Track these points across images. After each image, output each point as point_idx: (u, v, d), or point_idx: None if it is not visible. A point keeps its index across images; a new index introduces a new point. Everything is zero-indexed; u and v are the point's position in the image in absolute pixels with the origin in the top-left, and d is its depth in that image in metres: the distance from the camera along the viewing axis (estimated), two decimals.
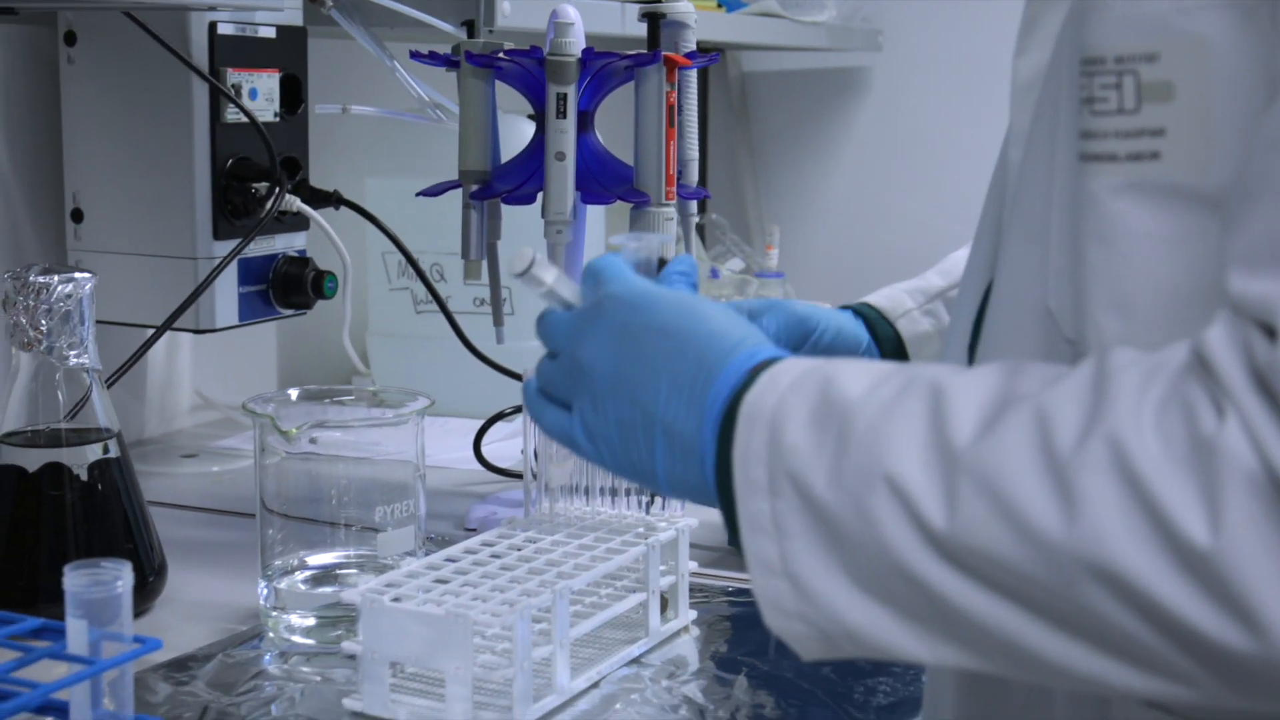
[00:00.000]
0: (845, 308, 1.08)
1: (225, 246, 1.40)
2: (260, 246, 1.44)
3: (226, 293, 1.41)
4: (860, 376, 0.68)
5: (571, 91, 1.18)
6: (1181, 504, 0.57)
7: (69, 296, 1.04)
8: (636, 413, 0.76)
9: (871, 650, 0.67)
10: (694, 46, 1.28)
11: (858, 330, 1.06)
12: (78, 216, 1.43)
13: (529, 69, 1.21)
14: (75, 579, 0.76)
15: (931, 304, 1.08)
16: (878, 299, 1.09)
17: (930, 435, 0.63)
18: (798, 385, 0.69)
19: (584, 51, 1.20)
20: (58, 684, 0.76)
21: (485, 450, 1.48)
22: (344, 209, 1.51)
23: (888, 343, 1.06)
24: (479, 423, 1.50)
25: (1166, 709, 0.70)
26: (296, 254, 1.48)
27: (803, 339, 1.03)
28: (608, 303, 0.79)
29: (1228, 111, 0.65)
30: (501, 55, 1.21)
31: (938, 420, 0.64)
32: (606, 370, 0.77)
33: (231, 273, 1.41)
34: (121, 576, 0.77)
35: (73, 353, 1.06)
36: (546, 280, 0.83)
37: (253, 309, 1.45)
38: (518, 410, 1.51)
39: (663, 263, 0.88)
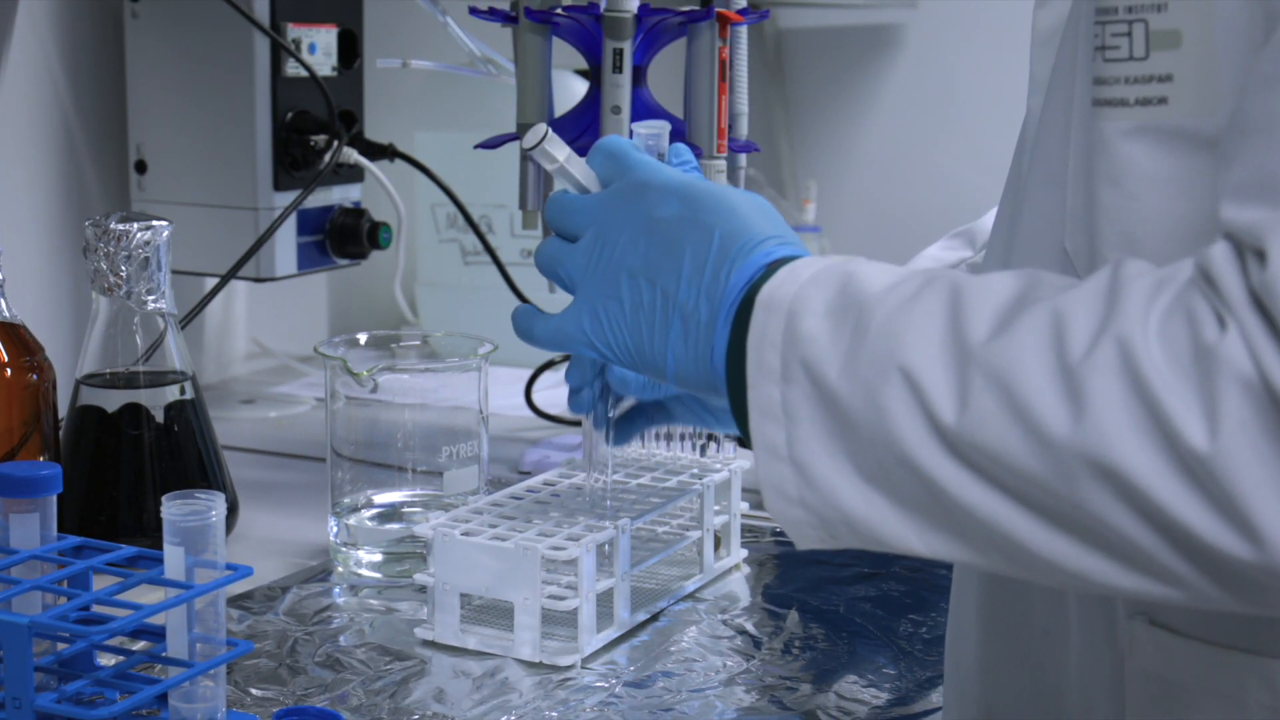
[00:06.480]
0: None
1: (284, 197, 1.44)
2: (317, 198, 1.48)
3: (286, 242, 1.46)
4: (880, 274, 0.70)
5: (628, 47, 1.21)
6: (1183, 408, 0.59)
7: (147, 243, 1.09)
8: (656, 295, 0.78)
9: (867, 539, 0.69)
10: (745, 3, 1.31)
11: None
12: (141, 168, 1.48)
13: (585, 25, 1.25)
14: (173, 508, 0.80)
15: None
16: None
17: (947, 331, 0.65)
18: (817, 278, 0.71)
19: (639, 7, 1.23)
20: (157, 606, 0.80)
21: (535, 398, 1.52)
22: (395, 162, 1.55)
23: None
24: (527, 371, 1.54)
25: (1164, 626, 0.73)
26: (352, 205, 1.52)
27: None
28: (643, 190, 0.81)
29: (1231, 57, 0.67)
30: (559, 11, 1.24)
31: (955, 317, 0.65)
32: (635, 254, 0.79)
33: (290, 223, 1.45)
34: (215, 507, 0.81)
35: (150, 297, 1.10)
36: (559, 157, 0.85)
37: (310, 259, 1.49)
38: (567, 358, 1.55)
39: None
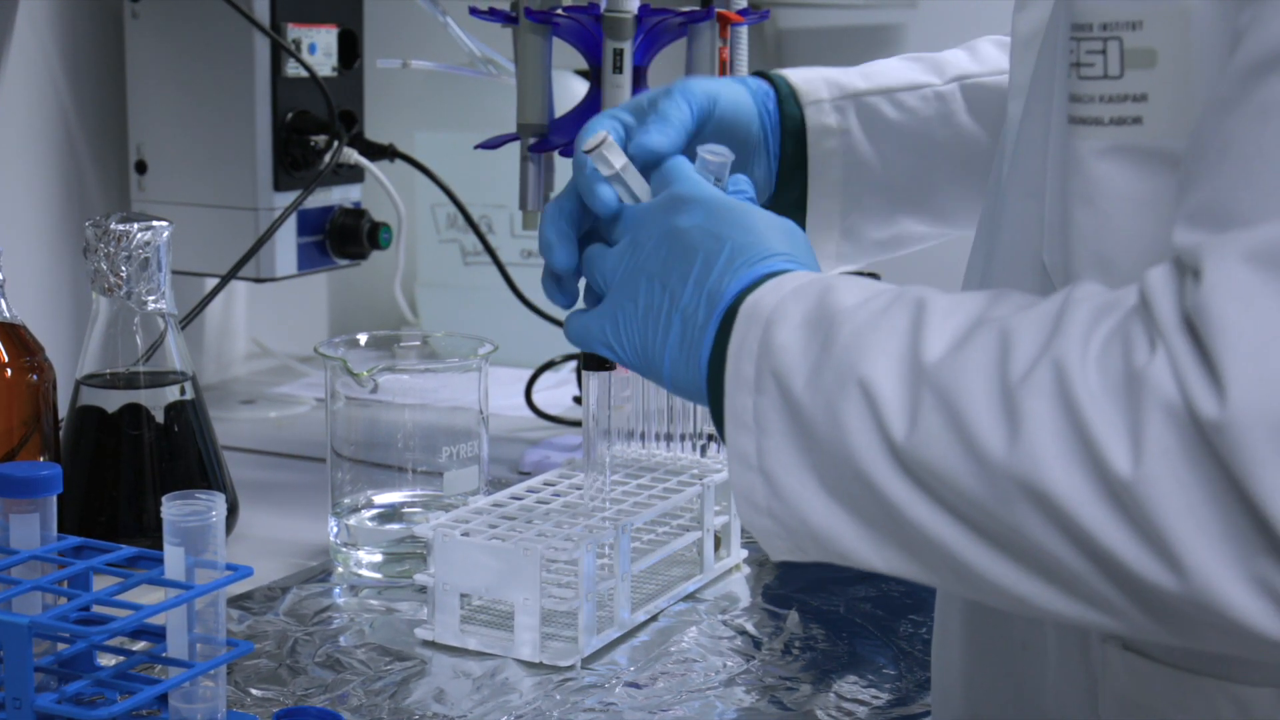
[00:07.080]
0: (760, 74, 1.04)
1: (284, 198, 1.44)
2: (317, 198, 1.48)
3: (286, 243, 1.46)
4: (857, 289, 0.70)
5: (628, 47, 1.21)
6: (1110, 432, 0.58)
7: (148, 244, 1.09)
8: (665, 299, 0.79)
9: (831, 554, 0.69)
10: (745, 3, 1.31)
11: (757, 103, 1.01)
12: (141, 168, 1.48)
13: (585, 25, 1.25)
14: (173, 509, 0.80)
15: (844, 101, 1.04)
16: (796, 78, 1.04)
17: (906, 347, 0.65)
18: (800, 291, 0.72)
19: (639, 8, 1.23)
20: (157, 607, 0.80)
21: (535, 398, 1.52)
22: (395, 162, 1.55)
23: (790, 121, 1.02)
24: (527, 372, 1.54)
25: (1137, 651, 0.73)
26: (352, 205, 1.52)
27: (707, 114, 0.97)
28: (675, 201, 0.81)
29: (1205, 77, 0.67)
30: (559, 11, 1.24)
31: (915, 334, 0.65)
32: (656, 259, 0.80)
33: (290, 223, 1.45)
34: (215, 507, 0.81)
35: (150, 298, 1.10)
36: (615, 164, 0.85)
37: (310, 259, 1.49)
38: (566, 359, 1.56)
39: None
